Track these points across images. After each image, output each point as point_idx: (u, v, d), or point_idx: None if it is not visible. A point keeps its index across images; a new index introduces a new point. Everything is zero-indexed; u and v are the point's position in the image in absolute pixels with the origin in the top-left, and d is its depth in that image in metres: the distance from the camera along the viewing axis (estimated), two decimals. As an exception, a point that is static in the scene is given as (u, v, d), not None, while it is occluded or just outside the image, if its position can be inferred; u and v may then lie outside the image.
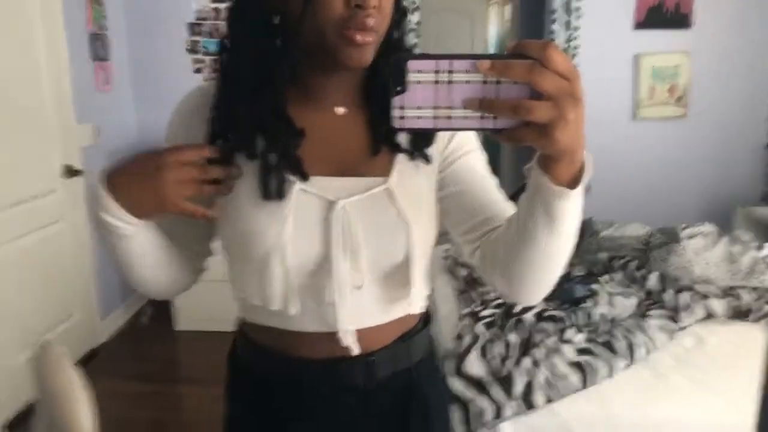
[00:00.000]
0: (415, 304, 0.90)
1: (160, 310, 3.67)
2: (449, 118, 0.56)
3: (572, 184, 0.64)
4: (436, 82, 0.55)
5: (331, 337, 0.84)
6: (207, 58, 3.65)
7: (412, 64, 0.55)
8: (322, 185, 0.82)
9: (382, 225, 0.83)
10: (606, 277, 2.49)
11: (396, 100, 0.56)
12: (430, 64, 0.55)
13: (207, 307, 3.41)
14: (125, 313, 3.63)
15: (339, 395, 0.89)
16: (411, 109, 0.56)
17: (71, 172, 2.97)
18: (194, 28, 3.64)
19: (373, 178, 0.84)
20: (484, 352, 1.88)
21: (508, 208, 0.86)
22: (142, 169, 0.74)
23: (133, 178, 0.74)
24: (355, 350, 0.85)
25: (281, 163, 0.80)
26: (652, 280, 2.42)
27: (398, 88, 0.55)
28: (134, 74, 3.69)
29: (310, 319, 0.85)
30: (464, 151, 0.89)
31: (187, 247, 0.91)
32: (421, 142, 0.87)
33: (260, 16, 0.80)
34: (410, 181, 0.86)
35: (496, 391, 1.70)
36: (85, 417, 1.23)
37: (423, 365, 0.95)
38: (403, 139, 0.87)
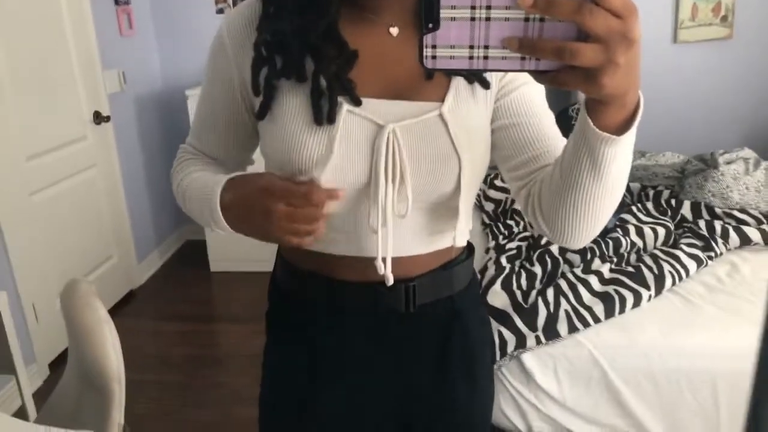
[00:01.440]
0: (459, 236, 0.88)
1: (194, 252, 3.77)
2: (486, 58, 0.51)
3: (623, 127, 0.59)
4: (473, 18, 0.50)
5: (371, 262, 0.82)
6: (228, -2, 3.59)
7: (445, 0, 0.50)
8: (373, 108, 0.79)
9: (433, 153, 0.80)
10: (636, 206, 2.42)
11: (428, 38, 0.51)
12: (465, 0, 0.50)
13: (239, 249, 3.48)
14: (160, 257, 3.73)
15: (379, 318, 0.88)
16: (444, 47, 0.52)
17: (100, 118, 3.00)
18: (212, -34, 3.57)
19: (426, 103, 0.80)
20: (508, 284, 1.86)
21: (560, 147, 0.80)
22: (252, 211, 0.76)
23: (245, 217, 0.79)
24: (390, 280, 0.83)
25: (333, 86, 0.77)
26: (686, 208, 2.34)
27: (430, 25, 0.51)
28: (156, 17, 3.66)
29: (349, 244, 0.84)
30: (522, 81, 0.84)
31: (232, 167, 0.95)
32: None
33: None
34: (465, 108, 0.81)
35: (519, 322, 1.69)
36: (113, 348, 1.27)
37: (465, 294, 0.94)
38: None
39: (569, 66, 0.49)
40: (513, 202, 2.53)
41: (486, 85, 0.82)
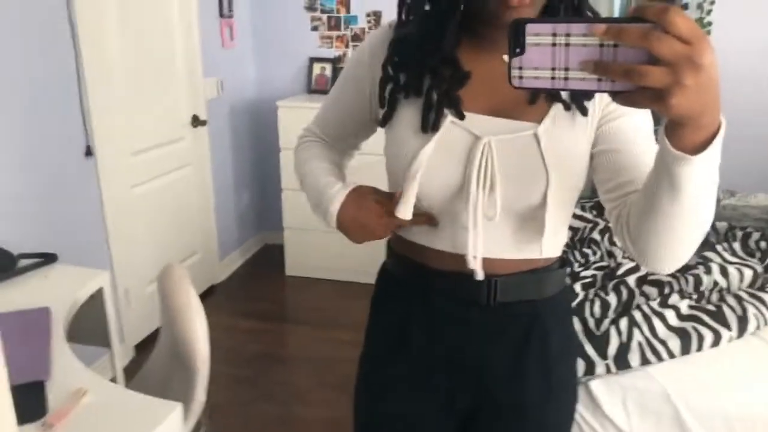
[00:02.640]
0: (546, 249, 0.94)
1: (272, 255, 3.92)
2: (566, 79, 0.58)
3: (701, 149, 0.61)
4: (554, 44, 0.57)
5: (463, 258, 0.92)
6: (324, 16, 3.75)
7: (530, 28, 0.58)
8: (474, 121, 0.88)
9: (523, 167, 0.88)
10: (723, 245, 2.34)
11: (515, 61, 0.59)
12: (547, 27, 0.57)
13: (315, 256, 3.60)
14: (241, 256, 3.91)
15: (463, 308, 0.97)
16: (529, 69, 0.59)
17: (197, 121, 3.21)
18: (312, -15, 3.75)
19: (525, 123, 0.88)
20: (580, 311, 1.85)
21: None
22: (366, 222, 0.97)
23: (357, 227, 0.98)
24: (480, 275, 0.92)
25: (442, 101, 0.88)
26: (776, 252, 2.24)
27: (517, 50, 0.58)
28: (255, 31, 3.87)
29: (444, 239, 0.95)
30: (625, 110, 0.87)
31: (349, 153, 1.17)
32: (581, 94, 0.88)
33: None
34: (561, 131, 0.88)
35: (590, 349, 1.68)
36: (201, 328, 1.37)
37: (552, 303, 1.00)
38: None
39: (642, 87, 0.54)
40: (591, 230, 2.50)
41: (584, 111, 0.88)
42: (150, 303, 2.77)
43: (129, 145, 2.70)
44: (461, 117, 0.88)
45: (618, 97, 0.57)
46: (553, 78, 0.58)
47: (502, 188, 0.87)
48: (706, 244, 2.38)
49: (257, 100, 3.93)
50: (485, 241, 0.91)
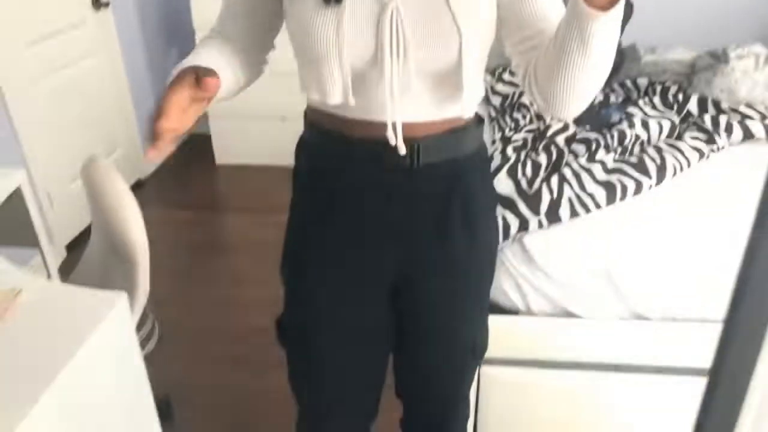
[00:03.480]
0: (466, 107, 0.94)
1: (199, 145, 3.78)
2: None
3: (609, 6, 0.68)
4: None
5: (382, 126, 0.90)
6: None
7: None
8: None
9: (434, 27, 0.86)
10: (644, 100, 2.42)
11: None
12: None
13: (244, 143, 3.50)
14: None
15: (386, 173, 0.96)
16: None
17: (99, 3, 2.92)
18: None
19: None
20: (513, 172, 1.91)
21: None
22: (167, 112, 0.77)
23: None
24: (402, 150, 0.91)
25: None
26: (692, 103, 2.34)
27: None
28: None
29: (362, 111, 0.92)
30: None
31: (253, 52, 1.01)
32: None
33: None
34: None
35: (523, 207, 1.75)
36: (136, 219, 1.33)
37: (471, 160, 1.02)
38: None
39: None
40: (520, 96, 2.52)
41: None
42: (76, 201, 2.65)
43: (23, 34, 2.44)
44: None
45: None
46: None
47: (415, 52, 0.86)
48: (629, 101, 2.46)
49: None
50: (404, 107, 0.89)
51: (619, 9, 0.69)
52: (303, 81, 0.96)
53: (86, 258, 1.64)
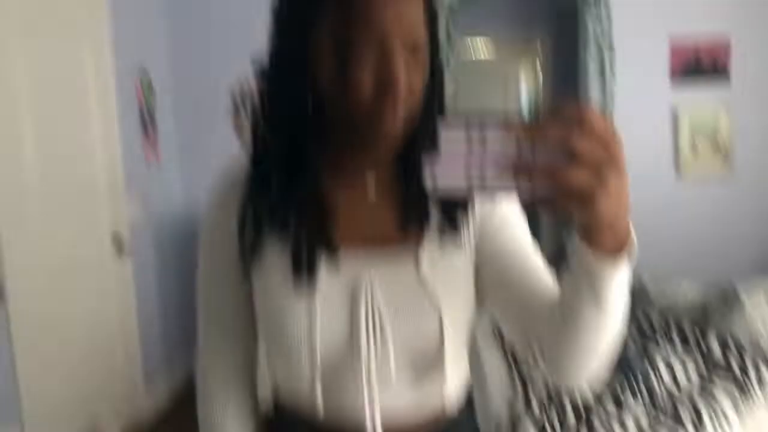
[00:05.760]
0: (450, 398, 0.84)
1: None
2: (483, 183, 0.53)
3: (616, 254, 0.59)
4: (469, 146, 0.53)
5: (356, 420, 0.80)
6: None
7: (443, 128, 0.53)
8: (349, 261, 0.79)
9: (412, 311, 0.78)
10: (661, 339, 2.39)
11: (428, 166, 0.54)
12: (461, 127, 0.53)
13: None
14: (169, 397, 3.61)
15: None
16: (444, 174, 0.54)
17: (120, 248, 2.99)
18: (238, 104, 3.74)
19: (403, 251, 0.80)
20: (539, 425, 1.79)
21: (549, 283, 0.80)
22: None
23: None
24: None
25: (311, 240, 0.77)
26: (713, 342, 2.31)
27: (431, 153, 0.54)
28: (182, 148, 3.78)
29: (336, 417, 0.81)
30: (504, 224, 0.83)
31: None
32: (454, 213, 0.81)
33: (294, 94, 0.75)
34: (443, 262, 0.80)
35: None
36: None
37: None
38: (436, 212, 0.82)
39: (564, 192, 0.51)
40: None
41: (455, 226, 0.81)
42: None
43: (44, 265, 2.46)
44: (334, 252, 0.78)
45: (538, 202, 0.54)
46: (469, 183, 0.53)
47: (392, 330, 0.77)
48: (647, 338, 2.42)
49: (186, 216, 3.78)
50: (382, 411, 0.79)
51: (633, 251, 0.60)
52: (271, 369, 0.87)
53: None
